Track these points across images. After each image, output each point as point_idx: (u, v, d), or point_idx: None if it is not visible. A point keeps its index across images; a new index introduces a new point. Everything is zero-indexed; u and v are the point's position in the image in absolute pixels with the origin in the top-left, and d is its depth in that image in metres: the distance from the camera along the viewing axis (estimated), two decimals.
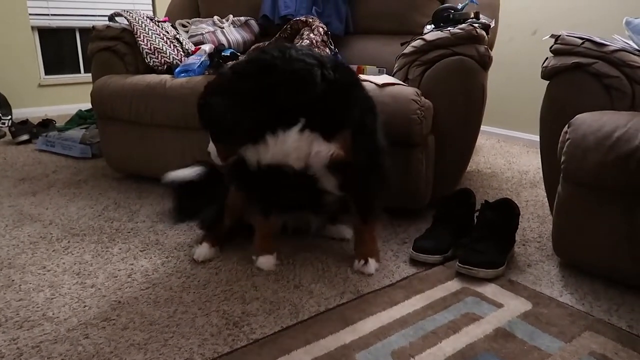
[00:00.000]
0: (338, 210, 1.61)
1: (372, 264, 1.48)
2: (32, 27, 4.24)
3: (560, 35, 1.54)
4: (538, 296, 1.34)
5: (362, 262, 1.48)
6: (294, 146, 1.30)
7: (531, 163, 2.69)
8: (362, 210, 1.50)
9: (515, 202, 1.59)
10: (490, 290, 1.37)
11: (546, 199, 1.76)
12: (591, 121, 1.32)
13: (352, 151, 1.34)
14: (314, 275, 1.46)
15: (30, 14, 4.18)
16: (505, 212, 1.53)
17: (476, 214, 1.60)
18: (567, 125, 1.37)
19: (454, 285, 1.40)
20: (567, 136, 1.34)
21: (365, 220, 1.50)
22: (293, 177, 1.36)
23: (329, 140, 1.32)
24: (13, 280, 1.42)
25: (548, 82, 1.56)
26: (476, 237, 1.50)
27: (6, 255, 1.59)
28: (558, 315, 1.25)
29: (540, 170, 2.53)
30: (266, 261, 1.50)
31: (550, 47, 1.55)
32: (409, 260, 1.55)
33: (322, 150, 1.32)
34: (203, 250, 1.56)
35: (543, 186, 2.22)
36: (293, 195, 1.48)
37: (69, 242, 1.69)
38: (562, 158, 1.35)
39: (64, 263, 1.53)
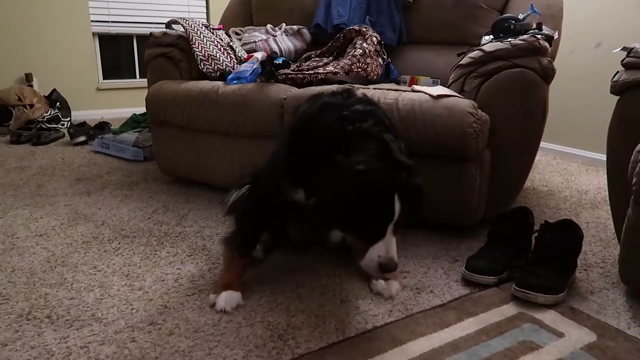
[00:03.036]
0: None
1: (394, 284, 1.40)
2: (93, 34, 4.43)
3: (633, 48, 1.44)
4: (603, 327, 1.24)
5: (382, 282, 1.39)
6: None
7: (591, 182, 2.55)
8: None
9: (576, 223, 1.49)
10: (549, 317, 1.28)
11: (609, 221, 1.66)
12: None
13: None
14: (360, 291, 1.41)
15: (92, 21, 4.37)
16: (567, 234, 1.44)
17: (534, 234, 1.51)
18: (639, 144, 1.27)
19: (509, 309, 1.32)
20: None
21: None
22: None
23: None
24: (65, 279, 1.46)
25: (618, 97, 1.46)
26: (535, 259, 1.41)
27: (60, 253, 1.63)
28: (626, 349, 1.15)
29: (601, 190, 2.41)
30: (229, 297, 1.30)
31: (622, 61, 1.45)
32: (460, 279, 1.48)
33: None
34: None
35: (605, 207, 2.11)
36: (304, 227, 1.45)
37: (119, 243, 1.72)
38: (634, 180, 1.25)
39: (114, 264, 1.56)
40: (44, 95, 4.01)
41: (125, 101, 4.50)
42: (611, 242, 1.76)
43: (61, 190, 2.30)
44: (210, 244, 1.72)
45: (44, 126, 3.57)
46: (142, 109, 2.72)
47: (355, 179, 1.10)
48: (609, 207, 1.55)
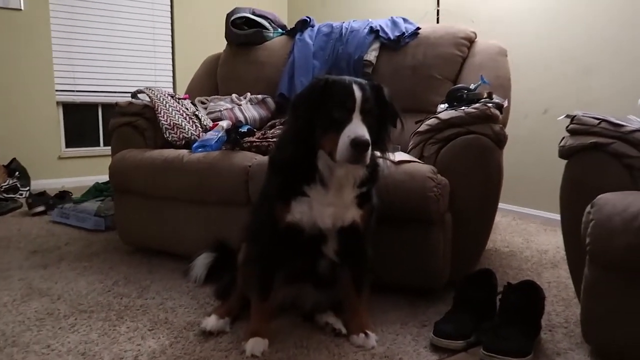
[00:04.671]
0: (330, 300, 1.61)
1: (373, 336, 1.48)
2: (58, 102, 4.42)
3: (576, 115, 1.54)
4: None
5: (362, 335, 1.47)
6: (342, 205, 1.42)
7: (550, 242, 2.62)
8: (357, 281, 1.53)
9: (538, 283, 1.52)
10: None
11: (569, 280, 1.69)
12: (615, 201, 1.29)
13: (365, 223, 1.48)
14: None
15: (57, 90, 4.38)
16: (530, 295, 1.47)
17: (499, 296, 1.53)
18: (589, 205, 1.34)
19: None
20: (591, 216, 1.31)
21: (359, 292, 1.53)
22: (306, 238, 1.43)
23: (359, 208, 1.45)
24: None
25: (566, 161, 1.55)
26: (500, 321, 1.42)
27: (11, 332, 1.53)
28: None
29: (560, 249, 2.48)
30: (255, 344, 1.40)
31: (567, 127, 1.55)
32: (429, 345, 1.47)
33: (353, 215, 1.45)
34: (211, 321, 1.54)
35: (564, 266, 2.17)
36: (299, 259, 1.52)
37: (76, 319, 1.64)
38: (587, 239, 1.31)
39: (69, 342, 1.47)
40: (3, 165, 3.92)
41: (88, 170, 4.43)
42: (573, 302, 1.79)
43: (15, 264, 2.20)
44: (173, 317, 1.65)
45: (1, 196, 3.46)
46: (105, 178, 2.69)
47: (321, 80, 1.38)
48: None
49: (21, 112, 4.20)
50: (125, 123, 2.47)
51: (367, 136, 1.27)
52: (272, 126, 2.58)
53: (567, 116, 1.57)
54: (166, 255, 2.25)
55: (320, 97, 1.35)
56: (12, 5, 4.07)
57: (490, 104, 1.82)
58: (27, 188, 3.86)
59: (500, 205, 2.00)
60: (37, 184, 4.02)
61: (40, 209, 3.22)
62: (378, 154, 1.49)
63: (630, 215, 1.22)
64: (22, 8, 4.12)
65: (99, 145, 4.74)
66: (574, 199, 1.49)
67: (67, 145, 4.57)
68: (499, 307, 1.49)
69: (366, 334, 1.47)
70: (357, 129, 1.28)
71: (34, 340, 1.48)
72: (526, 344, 1.36)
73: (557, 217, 1.61)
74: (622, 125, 1.46)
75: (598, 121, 1.49)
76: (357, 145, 1.26)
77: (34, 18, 4.19)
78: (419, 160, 1.83)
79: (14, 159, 4.02)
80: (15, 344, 1.46)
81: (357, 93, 1.32)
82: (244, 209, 1.90)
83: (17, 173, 3.87)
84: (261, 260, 1.52)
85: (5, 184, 3.66)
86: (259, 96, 2.77)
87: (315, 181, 1.41)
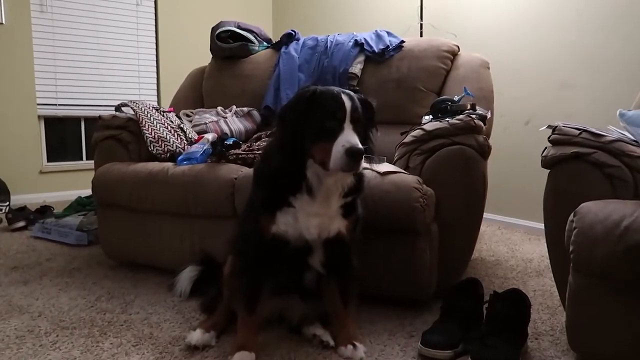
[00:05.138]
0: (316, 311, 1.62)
1: (361, 347, 1.48)
2: (39, 116, 4.37)
3: (557, 126, 1.57)
4: None
5: (350, 347, 1.47)
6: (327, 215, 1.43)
7: (534, 251, 2.65)
8: (344, 292, 1.53)
9: (524, 292, 1.54)
10: None
11: (554, 288, 1.71)
12: (597, 210, 1.31)
13: (350, 233, 1.49)
14: None
15: (38, 104, 4.32)
16: (516, 304, 1.48)
17: (485, 305, 1.54)
18: (572, 214, 1.36)
19: None
20: (574, 225, 1.32)
21: (346, 303, 1.53)
22: (292, 250, 1.44)
23: (345, 218, 1.46)
24: None
25: (549, 170, 1.57)
26: (487, 330, 1.42)
27: None
28: None
29: (544, 258, 2.50)
30: (242, 357, 1.39)
31: (549, 137, 1.58)
32: (417, 355, 1.46)
33: (338, 225, 1.45)
34: (195, 335, 1.52)
35: (549, 275, 2.19)
36: (285, 271, 1.52)
37: (57, 336, 1.60)
38: (571, 247, 1.32)
39: None
40: None
41: (70, 184, 4.36)
42: (558, 309, 1.81)
43: None
44: (158, 332, 1.63)
45: None
46: (88, 192, 2.65)
47: (308, 91, 1.39)
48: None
49: (1, 125, 4.13)
50: (109, 136, 2.45)
51: (359, 145, 1.29)
52: (258, 138, 2.58)
53: (549, 127, 1.60)
54: (151, 269, 2.22)
55: (308, 108, 1.36)
56: None
57: (473, 115, 1.85)
58: (7, 203, 3.78)
59: (485, 215, 2.02)
60: (18, 199, 3.94)
61: (21, 224, 3.16)
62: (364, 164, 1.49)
63: (611, 224, 1.24)
64: (4, 22, 4.07)
65: (81, 159, 4.67)
66: (557, 207, 1.51)
67: (49, 160, 4.50)
68: (486, 316, 1.50)
69: (354, 346, 1.46)
70: (350, 138, 1.30)
71: (13, 358, 1.45)
72: (513, 353, 1.37)
73: (541, 226, 1.63)
74: (603, 136, 1.49)
75: (579, 131, 1.52)
76: (352, 154, 1.27)
77: (16, 31, 4.14)
78: (404, 171, 1.84)
79: None
80: None
81: (347, 103, 1.34)
82: (229, 221, 1.89)
83: None
84: (247, 272, 1.50)
85: None
86: (245, 109, 2.78)
87: (302, 191, 1.41)
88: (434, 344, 1.44)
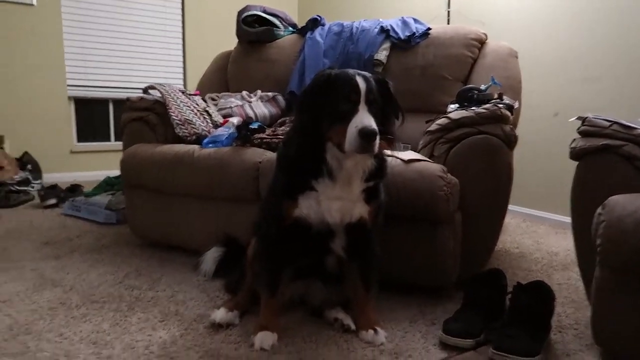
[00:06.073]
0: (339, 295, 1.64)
1: (382, 332, 1.49)
2: (69, 97, 4.47)
3: (587, 117, 1.54)
4: None
5: (372, 331, 1.48)
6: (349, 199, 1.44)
7: (560, 244, 2.62)
8: (365, 278, 1.54)
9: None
10: None
11: (580, 282, 1.70)
12: (626, 203, 1.29)
13: (372, 219, 1.50)
14: (338, 356, 1.39)
15: (68, 86, 4.42)
16: (540, 296, 1.47)
17: (508, 296, 1.54)
18: (600, 207, 1.34)
19: None
20: (602, 218, 1.31)
21: (367, 288, 1.55)
22: (314, 234, 1.45)
23: (367, 203, 1.46)
24: (29, 347, 1.39)
25: (577, 162, 1.55)
26: (510, 321, 1.43)
27: (24, 320, 1.56)
28: None
29: (570, 252, 2.47)
30: (264, 337, 1.42)
31: (578, 129, 1.55)
32: (438, 343, 1.47)
33: (360, 210, 1.46)
34: (219, 314, 1.56)
35: (575, 269, 2.16)
36: (307, 254, 1.54)
37: (87, 309, 1.66)
38: (598, 241, 1.31)
39: (81, 331, 1.50)
40: (15, 158, 3.96)
41: (99, 164, 4.47)
42: (583, 304, 1.79)
43: (28, 255, 2.23)
44: (184, 309, 1.67)
45: (13, 188, 3.50)
46: (116, 172, 2.72)
47: (324, 74, 1.40)
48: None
49: (33, 106, 4.25)
50: (137, 118, 2.50)
51: (374, 125, 1.29)
52: (282, 123, 2.59)
53: (579, 118, 1.58)
54: (177, 249, 2.28)
55: (324, 91, 1.37)
56: (24, 0, 4.12)
57: (500, 105, 1.83)
58: (39, 181, 3.90)
59: (510, 206, 2.00)
60: (49, 178, 4.07)
61: (52, 201, 3.26)
62: (387, 151, 1.50)
63: None
64: (34, 3, 4.16)
65: (110, 140, 4.78)
66: (584, 200, 1.49)
67: (79, 140, 4.62)
68: (509, 306, 1.50)
69: (375, 330, 1.48)
70: (364, 119, 1.30)
71: (46, 328, 1.51)
72: (535, 344, 1.37)
73: (567, 219, 1.61)
74: (634, 128, 1.46)
75: (609, 123, 1.49)
76: (366, 134, 1.28)
77: (46, 13, 4.23)
78: (429, 160, 1.83)
79: (25, 153, 4.07)
80: (29, 332, 1.48)
81: (362, 84, 1.34)
82: (253, 204, 1.91)
83: (28, 166, 3.92)
84: (269, 256, 1.53)
85: (17, 176, 3.70)
86: (269, 94, 2.79)
87: (323, 175, 1.42)
88: (455, 332, 1.44)
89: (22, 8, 4.12)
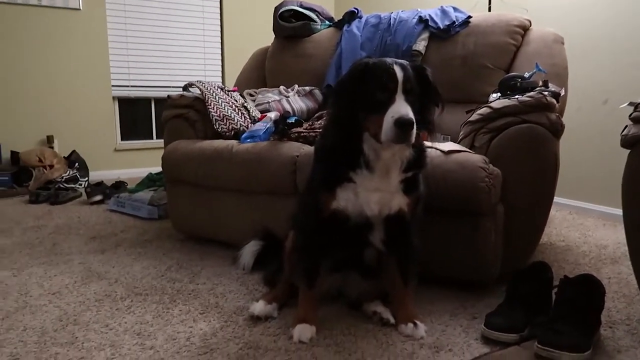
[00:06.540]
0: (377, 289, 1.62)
1: (422, 326, 1.47)
2: (114, 98, 4.62)
3: (639, 103, 1.46)
4: None
5: (411, 325, 1.46)
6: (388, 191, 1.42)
7: (609, 237, 2.50)
8: (404, 270, 1.52)
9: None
10: None
11: (631, 276, 1.61)
12: None
13: (412, 211, 1.47)
14: (377, 349, 1.37)
15: (112, 86, 4.57)
16: (588, 290, 1.40)
17: (554, 290, 1.47)
18: None
19: None
20: None
21: (406, 281, 1.53)
22: (352, 226, 1.44)
23: (406, 195, 1.44)
24: (77, 338, 1.44)
25: (629, 151, 1.47)
26: (556, 315, 1.37)
27: (72, 311, 1.62)
28: None
29: (620, 245, 2.36)
30: (303, 330, 1.42)
31: (630, 115, 1.47)
32: (480, 337, 1.43)
33: (399, 202, 1.43)
34: (258, 306, 1.57)
35: (626, 262, 2.06)
36: (345, 247, 1.53)
37: (131, 301, 1.71)
38: None
39: (125, 322, 1.54)
40: (64, 156, 4.13)
41: (142, 161, 4.61)
42: (635, 299, 1.70)
43: (76, 249, 2.32)
44: (223, 302, 1.70)
45: (62, 186, 3.65)
46: (158, 169, 2.78)
47: (361, 64, 1.37)
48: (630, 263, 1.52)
49: (80, 107, 4.41)
50: (177, 115, 2.55)
51: (410, 115, 1.26)
52: (319, 117, 2.58)
53: (630, 104, 1.49)
54: (216, 242, 2.31)
55: (361, 80, 1.35)
56: (71, 5, 4.28)
57: (546, 92, 1.75)
58: (86, 178, 4.05)
59: (555, 199, 1.93)
60: (95, 175, 4.22)
61: (98, 198, 3.38)
62: (427, 143, 1.46)
63: None
64: (81, 8, 4.31)
65: (152, 138, 4.92)
66: (637, 190, 1.41)
67: (122, 138, 4.76)
68: (555, 301, 1.44)
69: (415, 324, 1.46)
70: (401, 108, 1.27)
71: (93, 319, 1.56)
72: (584, 339, 1.31)
73: (617, 211, 1.54)
74: None
75: None
76: (402, 124, 1.25)
77: (92, 17, 4.38)
78: (469, 150, 1.78)
79: (73, 151, 4.23)
80: (77, 323, 1.54)
81: (399, 73, 1.31)
82: (291, 198, 1.92)
83: (76, 164, 4.08)
84: (307, 248, 1.53)
85: (66, 174, 3.86)
86: (306, 88, 2.78)
87: (360, 166, 1.40)
88: (498, 326, 1.40)
89: (69, 13, 4.29)
